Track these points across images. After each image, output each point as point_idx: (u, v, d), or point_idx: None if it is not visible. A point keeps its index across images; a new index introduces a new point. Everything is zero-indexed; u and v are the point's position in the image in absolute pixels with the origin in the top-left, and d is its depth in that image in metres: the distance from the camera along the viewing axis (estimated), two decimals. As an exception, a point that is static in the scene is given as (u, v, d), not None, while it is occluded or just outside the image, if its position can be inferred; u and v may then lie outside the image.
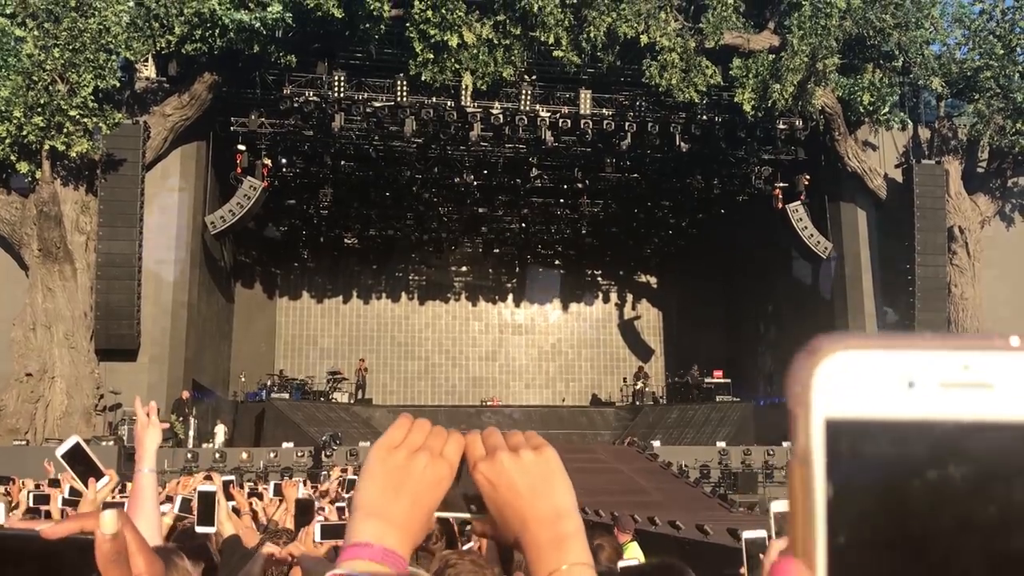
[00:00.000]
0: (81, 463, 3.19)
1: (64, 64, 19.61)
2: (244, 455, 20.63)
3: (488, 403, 30.72)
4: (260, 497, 7.32)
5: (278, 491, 6.52)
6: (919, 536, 0.37)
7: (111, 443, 19.06)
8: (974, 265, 24.61)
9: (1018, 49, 24.28)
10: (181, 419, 21.06)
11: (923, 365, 0.37)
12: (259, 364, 28.99)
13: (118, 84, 20.78)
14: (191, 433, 21.34)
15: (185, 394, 22.04)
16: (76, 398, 20.57)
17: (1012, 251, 25.54)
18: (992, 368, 0.37)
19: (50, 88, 19.62)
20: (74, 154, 20.17)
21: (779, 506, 2.05)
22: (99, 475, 3.20)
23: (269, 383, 26.99)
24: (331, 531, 3.61)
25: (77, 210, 21.40)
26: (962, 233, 24.44)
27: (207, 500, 3.81)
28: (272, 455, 20.65)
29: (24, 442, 19.40)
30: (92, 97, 19.90)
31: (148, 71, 22.80)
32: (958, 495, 0.36)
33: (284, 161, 25.79)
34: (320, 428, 23.61)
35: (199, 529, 3.84)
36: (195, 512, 3.86)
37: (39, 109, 19.51)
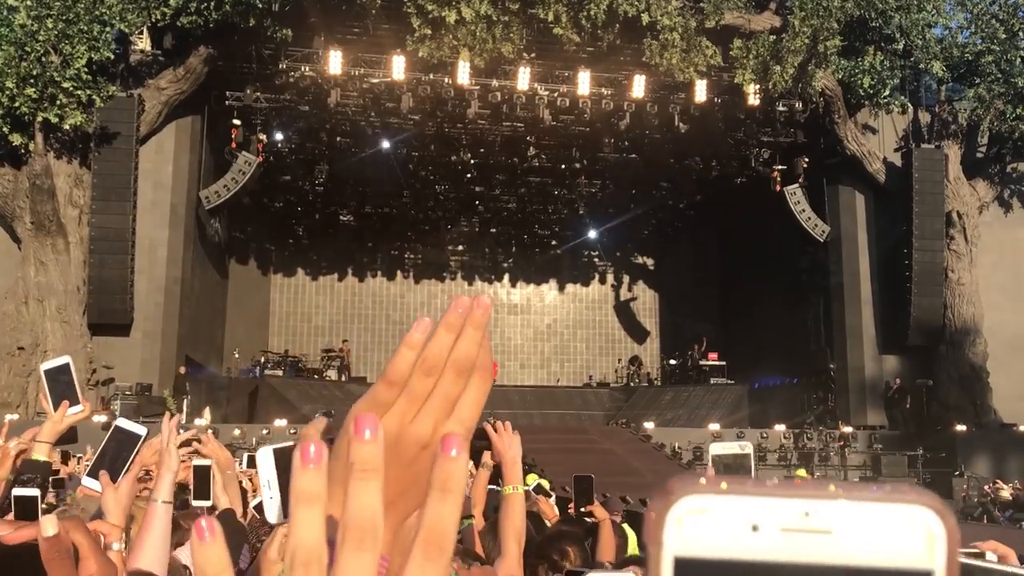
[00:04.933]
0: (62, 386, 3.04)
1: (57, 35, 19.37)
2: (237, 432, 20.57)
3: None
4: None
5: (252, 463, 6.36)
6: None
7: (104, 418, 18.98)
8: (971, 250, 24.57)
9: (1020, 33, 24.11)
10: (186, 396, 21.04)
11: (767, 510, 0.41)
12: (253, 341, 28.91)
13: (112, 56, 20.54)
14: (185, 409, 21.29)
15: (182, 370, 22.02)
16: (68, 372, 20.46)
17: (1009, 237, 25.51)
18: (831, 515, 0.41)
19: (43, 59, 19.39)
20: (67, 126, 19.98)
21: (717, 448, 2.04)
22: (75, 401, 3.05)
23: (263, 360, 26.94)
24: None
25: (70, 183, 21.23)
26: (960, 218, 24.38)
27: (202, 474, 3.73)
28: (265, 432, 20.59)
29: (15, 416, 19.33)
30: (86, 69, 19.67)
31: (143, 44, 22.55)
32: None
33: (280, 136, 25.58)
34: (313, 405, 23.57)
35: (195, 503, 3.76)
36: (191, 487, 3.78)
37: (32, 80, 19.29)
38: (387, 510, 0.72)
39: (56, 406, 3.01)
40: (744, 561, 0.40)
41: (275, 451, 0.95)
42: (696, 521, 0.41)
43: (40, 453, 3.11)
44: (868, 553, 0.40)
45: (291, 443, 0.89)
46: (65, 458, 7.44)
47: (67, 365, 3.04)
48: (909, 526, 0.40)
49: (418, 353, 0.70)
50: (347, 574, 0.53)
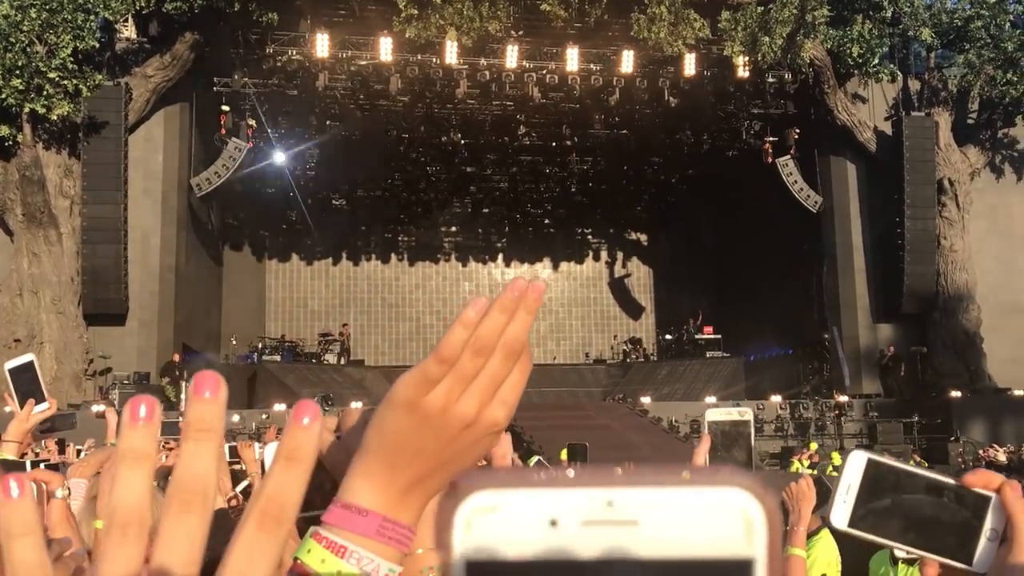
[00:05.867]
0: (27, 383, 3.06)
1: (41, 25, 19.25)
2: (236, 417, 20.64)
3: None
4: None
5: (234, 453, 6.18)
6: None
7: (102, 407, 19.01)
8: (963, 217, 24.61)
9: (1009, -2, 24.06)
10: (170, 382, 21.05)
11: (566, 503, 0.37)
12: (250, 327, 28.92)
13: (97, 45, 20.43)
14: (183, 397, 21.33)
15: (176, 357, 22.02)
16: (65, 363, 20.50)
17: (1001, 203, 25.55)
18: (637, 504, 0.36)
19: (28, 50, 19.27)
20: (55, 117, 19.88)
21: (714, 415, 2.02)
22: (40, 399, 3.07)
23: (260, 345, 26.96)
24: None
25: (60, 174, 21.17)
26: (952, 185, 24.39)
27: None
28: (264, 417, 20.65)
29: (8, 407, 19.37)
30: (71, 59, 19.56)
31: (128, 31, 22.44)
32: None
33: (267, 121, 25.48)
34: (312, 390, 23.63)
35: None
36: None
37: (17, 71, 19.18)
38: (419, 485, 0.75)
39: (22, 404, 3.02)
40: (543, 561, 0.36)
41: None
42: (487, 520, 0.37)
43: (8, 452, 3.09)
44: (680, 543, 0.36)
45: None
46: (61, 447, 7.49)
47: (31, 363, 3.07)
48: (724, 511, 0.36)
49: (471, 332, 0.71)
50: (170, 537, 0.49)
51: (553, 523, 0.36)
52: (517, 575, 0.36)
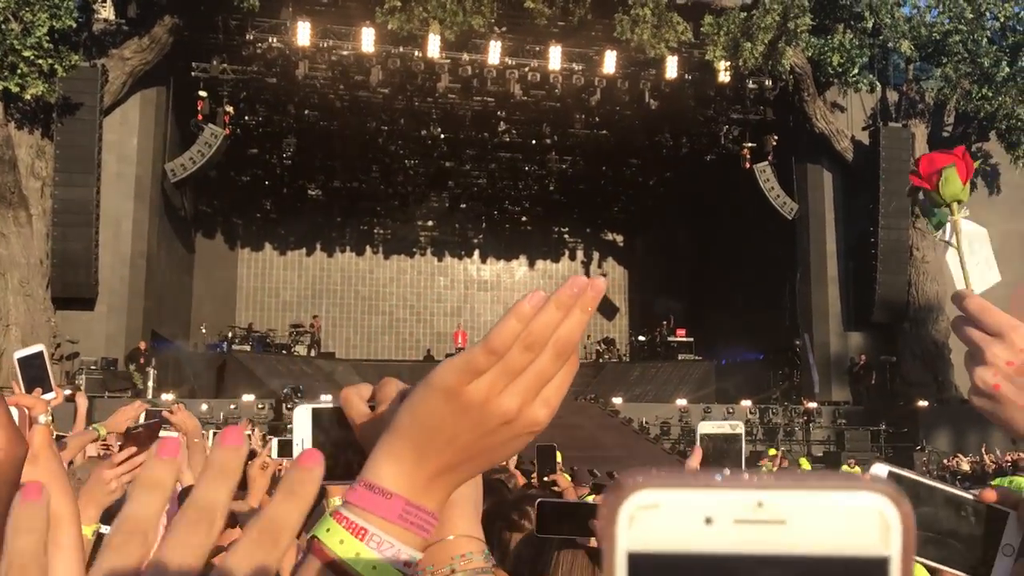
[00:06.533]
0: (35, 373, 3.07)
1: (17, 2, 18.92)
2: (204, 407, 20.43)
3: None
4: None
5: None
6: None
7: (68, 392, 18.74)
8: (936, 229, 24.85)
9: (987, 14, 24.33)
10: (136, 368, 20.82)
11: (720, 502, 0.40)
12: (220, 316, 28.65)
13: (74, 25, 20.09)
14: (150, 384, 21.09)
15: (143, 344, 21.74)
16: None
17: (973, 215, 25.66)
18: (785, 505, 0.39)
19: (3, 27, 18.94)
20: (28, 96, 19.54)
21: (707, 427, 2.03)
22: (48, 389, 3.08)
23: (230, 335, 26.72)
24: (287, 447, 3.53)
25: (32, 155, 20.82)
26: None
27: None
28: (232, 407, 20.48)
29: (-23, 390, 19.07)
30: (47, 38, 19.24)
31: (106, 12, 22.11)
32: None
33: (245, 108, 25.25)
34: (281, 381, 23.44)
35: None
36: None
37: (-9, 49, 18.86)
38: (447, 473, 0.74)
39: (28, 393, 3.03)
40: (698, 554, 0.39)
41: (314, 410, 0.96)
42: (648, 516, 0.40)
43: None
44: (822, 542, 0.39)
45: (331, 404, 0.92)
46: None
47: (40, 353, 3.08)
48: (863, 514, 0.40)
49: (524, 326, 0.69)
50: (175, 549, 0.51)
51: (708, 521, 0.39)
52: (674, 566, 0.39)
